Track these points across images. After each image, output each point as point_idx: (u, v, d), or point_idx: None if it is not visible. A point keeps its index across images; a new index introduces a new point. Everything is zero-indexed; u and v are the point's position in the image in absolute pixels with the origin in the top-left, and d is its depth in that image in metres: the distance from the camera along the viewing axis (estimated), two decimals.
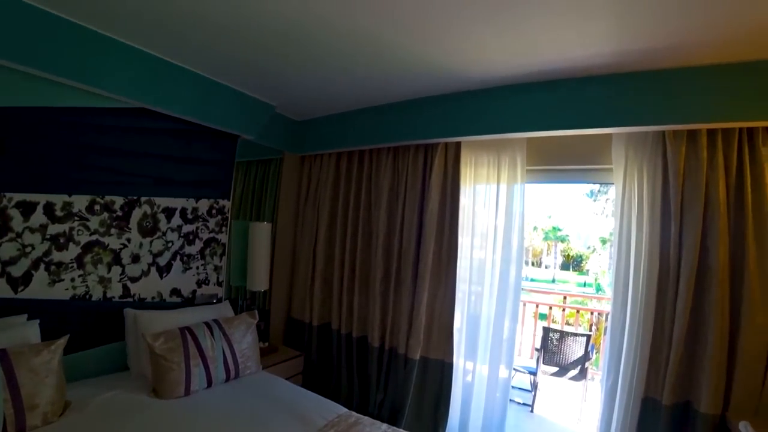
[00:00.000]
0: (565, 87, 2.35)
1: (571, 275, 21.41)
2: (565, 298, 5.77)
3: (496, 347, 2.63)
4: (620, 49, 2.02)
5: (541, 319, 5.21)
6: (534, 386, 3.86)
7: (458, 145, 2.71)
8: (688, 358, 2.13)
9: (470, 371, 2.74)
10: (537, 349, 4.08)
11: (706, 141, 2.12)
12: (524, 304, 4.98)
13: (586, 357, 3.84)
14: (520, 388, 4.16)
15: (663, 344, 2.17)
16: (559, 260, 22.11)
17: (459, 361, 2.73)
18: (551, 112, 2.38)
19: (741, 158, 2.09)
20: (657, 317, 2.18)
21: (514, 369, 4.10)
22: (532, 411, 3.78)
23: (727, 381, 2.05)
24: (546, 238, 22.53)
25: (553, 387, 4.25)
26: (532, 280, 21.30)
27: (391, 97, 2.80)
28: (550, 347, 3.95)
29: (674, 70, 2.16)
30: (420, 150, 2.88)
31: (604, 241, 15.65)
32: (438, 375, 2.75)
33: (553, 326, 4.30)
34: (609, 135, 2.34)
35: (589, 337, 3.80)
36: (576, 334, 3.93)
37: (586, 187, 15.31)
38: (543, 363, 3.97)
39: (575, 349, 3.89)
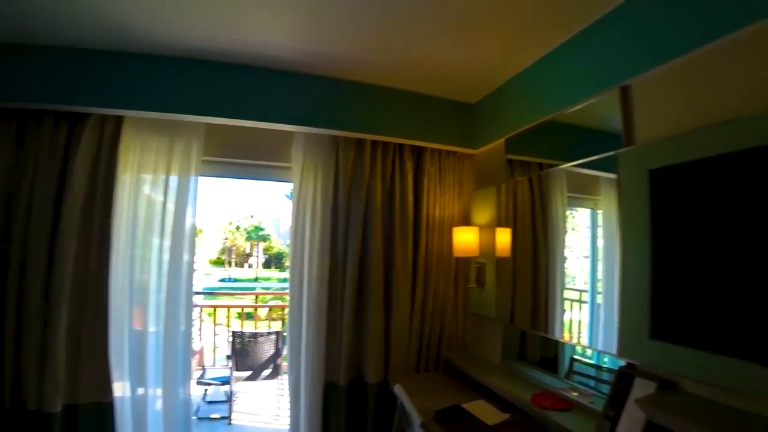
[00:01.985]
0: (253, 75, 2.31)
1: (274, 272, 22.80)
2: (256, 297, 5.81)
3: (172, 364, 2.24)
4: (308, 48, 2.14)
5: (249, 319, 5.11)
6: (229, 396, 3.68)
7: (119, 120, 2.15)
8: (357, 339, 2.49)
9: (142, 400, 2.21)
10: (228, 356, 3.91)
11: (369, 150, 2.53)
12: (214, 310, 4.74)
13: (277, 354, 3.96)
14: (217, 402, 3.95)
15: (336, 331, 2.45)
16: (263, 259, 23.05)
17: (125, 393, 2.15)
18: (235, 98, 2.27)
19: (393, 168, 2.60)
20: (330, 307, 2.44)
21: (204, 383, 3.82)
22: (230, 423, 3.60)
23: (385, 353, 2.52)
24: (249, 238, 23.02)
25: (250, 392, 4.20)
26: (235, 280, 21.29)
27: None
28: (241, 351, 3.86)
29: (351, 82, 2.49)
30: (63, 121, 2.11)
31: None
32: (94, 424, 2.10)
33: (247, 329, 4.23)
34: (291, 133, 2.44)
35: (278, 333, 3.93)
36: (266, 333, 4.00)
37: (286, 187, 16.46)
38: (236, 369, 3.83)
39: (266, 348, 3.95)
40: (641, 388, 1.49)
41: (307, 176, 2.43)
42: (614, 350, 1.64)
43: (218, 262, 23.55)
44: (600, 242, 1.88)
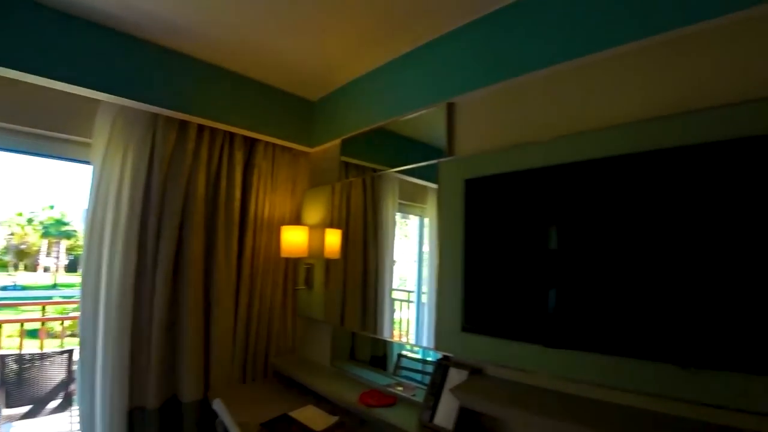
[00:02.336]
0: (59, 21, 1.79)
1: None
2: (44, 308, 4.60)
3: None
4: (133, 2, 1.75)
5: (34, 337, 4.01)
6: None
7: None
8: (170, 353, 2.16)
9: None
10: None
11: (194, 134, 2.24)
12: None
13: (70, 379, 3.20)
14: None
15: (143, 346, 2.07)
16: (66, 260, 18.94)
17: None
18: (20, 39, 1.70)
19: (221, 158, 2.34)
20: (135, 317, 2.04)
21: None
22: None
23: (205, 366, 2.25)
24: (46, 234, 18.67)
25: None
26: (22, 288, 17.01)
27: None
28: (14, 381, 2.99)
29: (183, 55, 2.18)
30: None
31: None
32: None
33: (30, 349, 3.31)
34: (96, 102, 1.96)
35: (71, 352, 3.18)
36: (53, 354, 3.19)
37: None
38: (8, 405, 2.94)
39: (53, 373, 3.16)
40: (456, 376, 1.63)
41: (113, 156, 1.98)
42: (433, 344, 1.78)
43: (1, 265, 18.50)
44: (426, 247, 2.02)
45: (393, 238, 2.21)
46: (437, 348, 1.76)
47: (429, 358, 2.00)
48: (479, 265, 1.64)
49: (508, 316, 1.54)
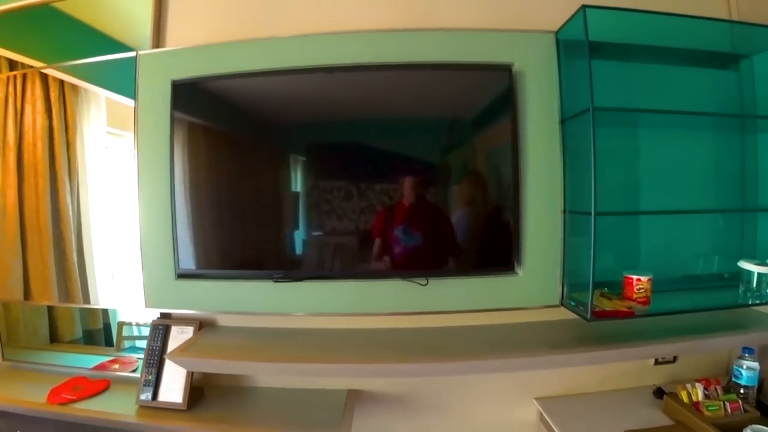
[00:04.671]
0: None
1: None
2: None
3: None
4: None
5: None
6: None
7: None
8: None
9: None
10: None
11: None
12: None
13: None
14: None
15: None
16: None
17: None
18: None
19: None
20: None
21: None
22: None
23: None
24: None
25: None
26: None
27: None
28: None
29: None
30: None
31: None
32: None
33: None
34: None
35: None
36: None
37: None
38: None
39: None
40: (180, 336, 1.33)
41: None
42: (142, 301, 1.40)
43: None
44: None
45: (100, 176, 1.62)
46: (148, 304, 1.38)
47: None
48: (191, 196, 1.32)
49: (231, 253, 1.32)
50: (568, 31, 1.15)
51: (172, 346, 1.29)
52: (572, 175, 1.18)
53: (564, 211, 1.18)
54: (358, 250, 1.23)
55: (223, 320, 1.38)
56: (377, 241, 1.20)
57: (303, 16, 1.30)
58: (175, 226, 1.30)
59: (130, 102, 1.52)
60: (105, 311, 1.69)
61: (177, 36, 1.39)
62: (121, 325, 1.70)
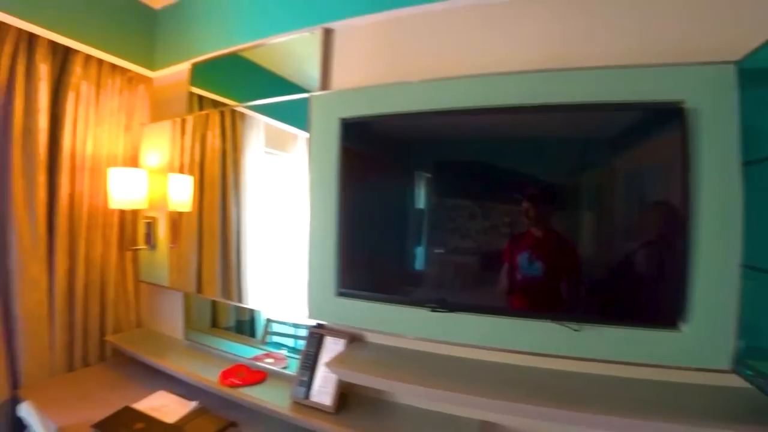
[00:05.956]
0: None
1: None
2: None
3: None
4: None
5: None
6: None
7: None
8: None
9: None
10: None
11: None
12: None
13: None
14: None
15: None
16: None
17: None
18: None
19: (13, 68, 1.68)
20: None
21: None
22: None
23: (8, 357, 1.68)
24: None
25: None
26: None
27: None
28: None
29: None
30: None
31: None
32: None
33: None
34: None
35: None
36: None
37: None
38: None
39: None
40: (333, 346, 1.46)
41: None
42: (306, 312, 1.56)
43: None
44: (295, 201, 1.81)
45: (258, 190, 1.91)
46: (310, 315, 1.54)
47: (302, 322, 1.80)
48: (357, 221, 1.44)
49: (390, 278, 1.40)
50: (758, 59, 1.02)
51: (325, 353, 1.44)
52: (756, 225, 1.05)
53: (743, 266, 1.05)
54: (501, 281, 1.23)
55: (371, 336, 1.48)
56: (505, 268, 1.22)
57: (451, 58, 1.37)
58: (340, 250, 1.43)
59: (285, 126, 1.81)
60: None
61: (341, 78, 1.56)
62: (268, 321, 1.95)
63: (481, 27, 1.33)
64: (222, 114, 1.96)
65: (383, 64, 1.49)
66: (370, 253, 1.44)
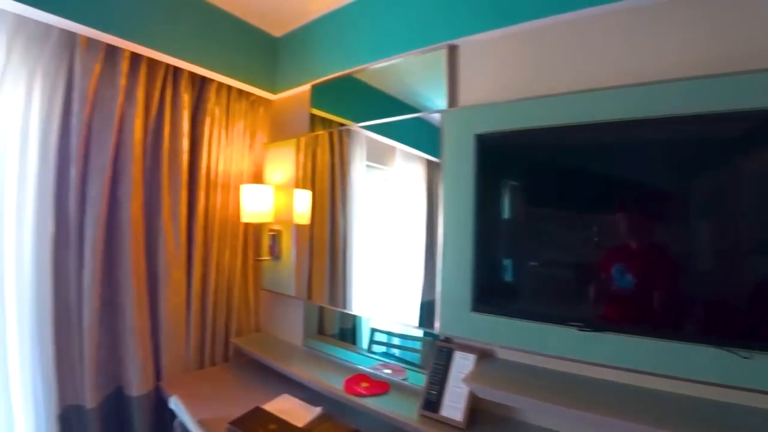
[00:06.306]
0: None
1: None
2: None
3: None
4: None
5: None
6: None
7: None
8: (109, 339, 1.78)
9: None
10: None
11: (127, 66, 1.77)
12: None
13: None
14: None
15: (72, 331, 1.67)
16: None
17: None
18: None
19: (162, 98, 1.91)
20: (58, 296, 1.62)
21: None
22: None
23: (154, 351, 1.90)
24: None
25: None
26: None
27: None
28: None
29: None
30: None
31: None
32: None
33: None
34: None
35: None
36: None
37: None
38: None
39: None
40: (461, 361, 1.44)
41: (13, 87, 1.49)
42: (436, 326, 1.56)
43: None
44: (396, 213, 1.86)
45: (362, 202, 2.00)
46: (442, 329, 1.54)
47: (408, 333, 1.83)
48: (494, 236, 1.41)
49: (535, 294, 1.33)
50: None
51: (454, 368, 1.42)
52: None
53: None
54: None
55: (501, 352, 1.43)
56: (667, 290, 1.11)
57: (589, 68, 1.30)
58: (477, 265, 1.40)
59: (385, 140, 1.88)
60: (355, 315, 2.01)
61: (470, 95, 1.56)
62: (373, 330, 2.00)
63: (627, 32, 1.26)
64: (330, 128, 2.08)
65: (514, 78, 1.46)
66: (508, 267, 1.40)
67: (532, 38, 1.42)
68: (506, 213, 1.40)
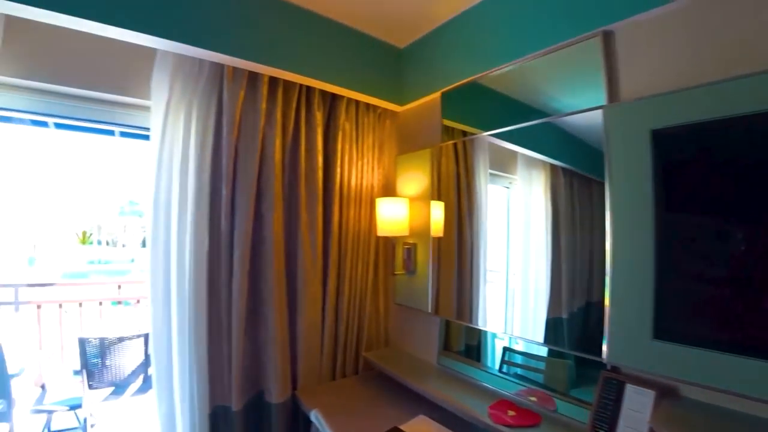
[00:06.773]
0: None
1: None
2: (119, 286, 4.50)
3: None
4: None
5: None
6: (84, 424, 2.80)
7: None
8: (252, 347, 1.89)
9: None
10: (76, 372, 2.97)
11: (266, 91, 1.88)
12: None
13: (147, 362, 3.14)
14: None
15: (222, 338, 1.81)
16: (141, 237, 20.12)
17: None
18: None
19: (298, 117, 2.00)
20: (211, 305, 1.77)
21: (43, 410, 2.86)
22: None
23: (291, 361, 1.98)
24: (122, 213, 20.01)
25: (113, 416, 3.23)
26: (106, 262, 18.36)
27: None
28: (95, 363, 2.96)
29: None
30: None
31: None
32: None
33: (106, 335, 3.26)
34: (151, 54, 1.65)
35: (147, 335, 3.09)
36: (133, 336, 3.12)
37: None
38: (91, 388, 2.93)
39: (133, 356, 3.10)
40: (634, 397, 1.19)
41: (175, 119, 1.67)
42: (605, 354, 1.31)
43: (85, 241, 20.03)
44: (516, 224, 1.75)
45: (487, 212, 1.85)
46: (612, 358, 1.29)
47: (538, 353, 1.65)
48: (684, 250, 1.14)
49: (738, 321, 1.03)
50: None
51: (626, 405, 1.20)
52: None
53: None
54: None
55: (687, 390, 1.16)
56: None
57: None
58: (660, 284, 1.15)
59: (508, 145, 1.74)
60: (482, 331, 1.86)
61: (633, 86, 1.31)
62: (504, 350, 1.81)
63: None
64: (455, 142, 1.99)
65: (688, 61, 1.18)
66: (705, 287, 1.11)
67: (701, 11, 1.15)
68: (705, 220, 1.12)
